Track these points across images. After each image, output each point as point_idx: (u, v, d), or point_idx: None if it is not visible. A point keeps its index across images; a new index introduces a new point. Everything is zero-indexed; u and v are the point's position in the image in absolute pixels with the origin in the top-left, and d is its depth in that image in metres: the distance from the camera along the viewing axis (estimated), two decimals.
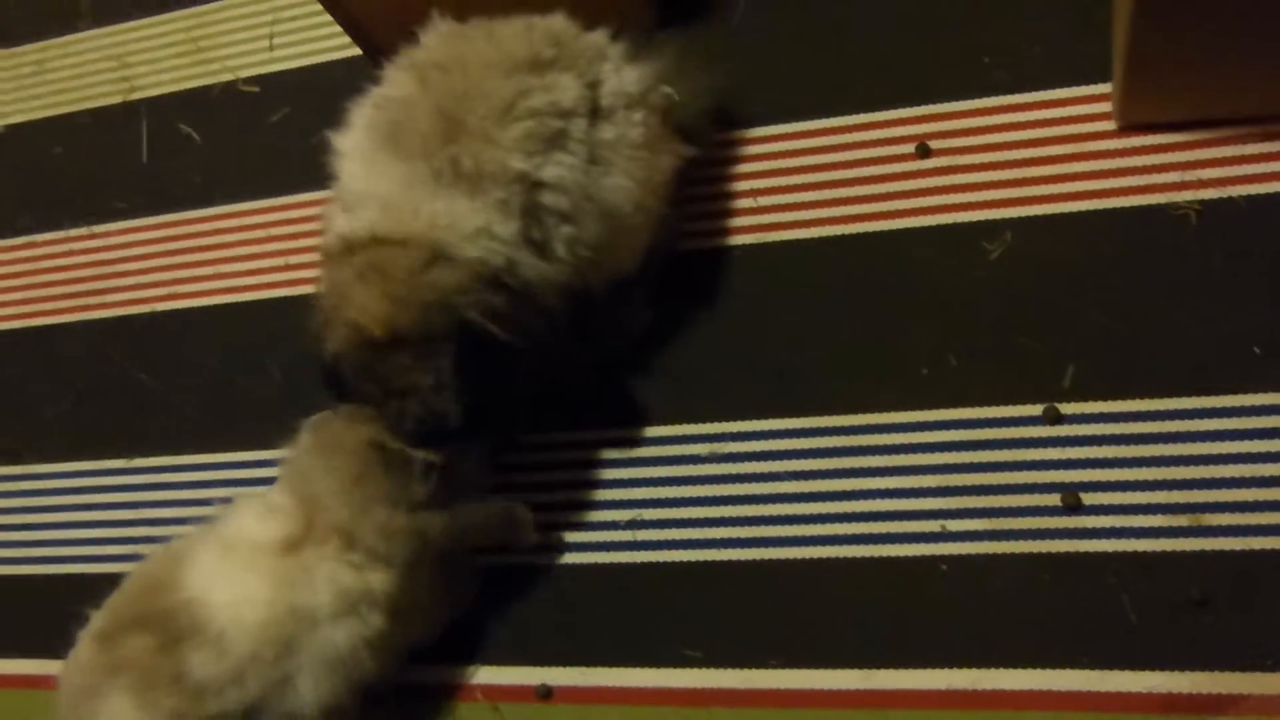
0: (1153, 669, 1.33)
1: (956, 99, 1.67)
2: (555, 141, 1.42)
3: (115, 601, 1.44)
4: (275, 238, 2.04)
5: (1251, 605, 1.32)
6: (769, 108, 1.77)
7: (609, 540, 1.61)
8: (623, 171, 1.48)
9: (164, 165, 2.20)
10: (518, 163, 1.39)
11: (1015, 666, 1.37)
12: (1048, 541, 1.41)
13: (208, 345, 1.99)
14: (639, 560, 1.58)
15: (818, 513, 1.52)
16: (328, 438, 1.46)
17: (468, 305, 1.35)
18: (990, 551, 1.43)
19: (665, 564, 1.57)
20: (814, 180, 1.70)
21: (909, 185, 1.65)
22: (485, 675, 1.58)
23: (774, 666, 1.46)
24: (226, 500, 1.51)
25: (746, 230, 1.71)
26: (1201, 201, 1.50)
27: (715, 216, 1.73)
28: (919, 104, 1.68)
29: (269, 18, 2.25)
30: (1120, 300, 1.48)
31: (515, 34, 1.46)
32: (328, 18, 1.98)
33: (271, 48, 2.22)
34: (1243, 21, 1.33)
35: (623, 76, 1.50)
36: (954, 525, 1.46)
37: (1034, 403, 1.48)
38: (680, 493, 1.60)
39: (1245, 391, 1.40)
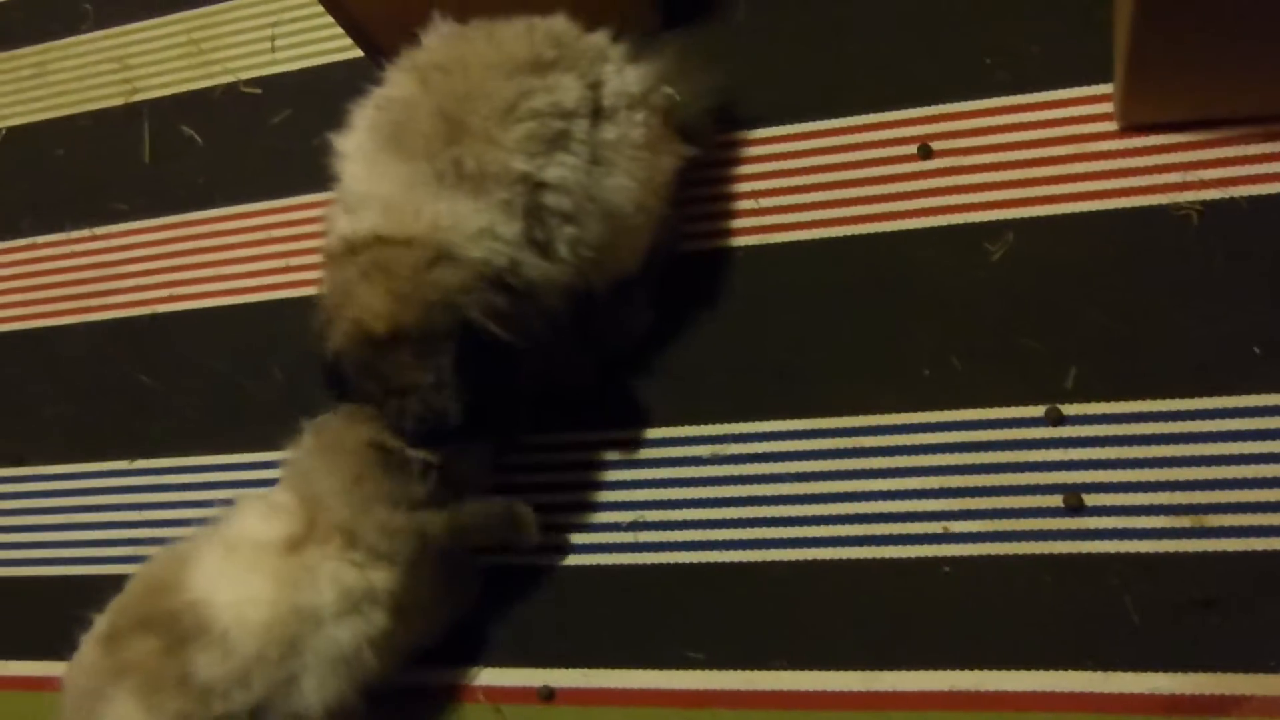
0: (1155, 670, 1.32)
1: (958, 100, 1.67)
2: (557, 142, 1.42)
3: (119, 604, 1.44)
4: (276, 239, 2.04)
5: (1254, 606, 1.32)
6: (770, 108, 1.77)
7: (611, 541, 1.61)
8: (624, 172, 1.48)
9: (166, 167, 2.20)
10: (520, 164, 1.39)
11: (1018, 668, 1.37)
12: (1050, 543, 1.41)
13: (209, 347, 1.99)
14: (641, 561, 1.58)
15: (820, 514, 1.52)
16: (329, 438, 1.46)
17: (470, 305, 1.35)
18: (992, 553, 1.43)
19: (667, 565, 1.57)
20: (816, 181, 1.70)
21: (911, 186, 1.64)
22: (487, 677, 1.58)
23: (776, 668, 1.46)
24: (229, 501, 1.51)
25: (748, 231, 1.71)
26: (1203, 202, 1.50)
27: (717, 217, 1.73)
28: (921, 105, 1.68)
29: (271, 19, 2.25)
30: (1122, 301, 1.48)
31: (517, 35, 1.46)
32: (329, 19, 1.99)
33: (273, 49, 2.22)
34: (1244, 22, 1.33)
35: (624, 77, 1.50)
36: (956, 526, 1.46)
37: (1036, 404, 1.48)
38: (682, 494, 1.60)
39: (1247, 392, 1.40)
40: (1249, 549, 1.34)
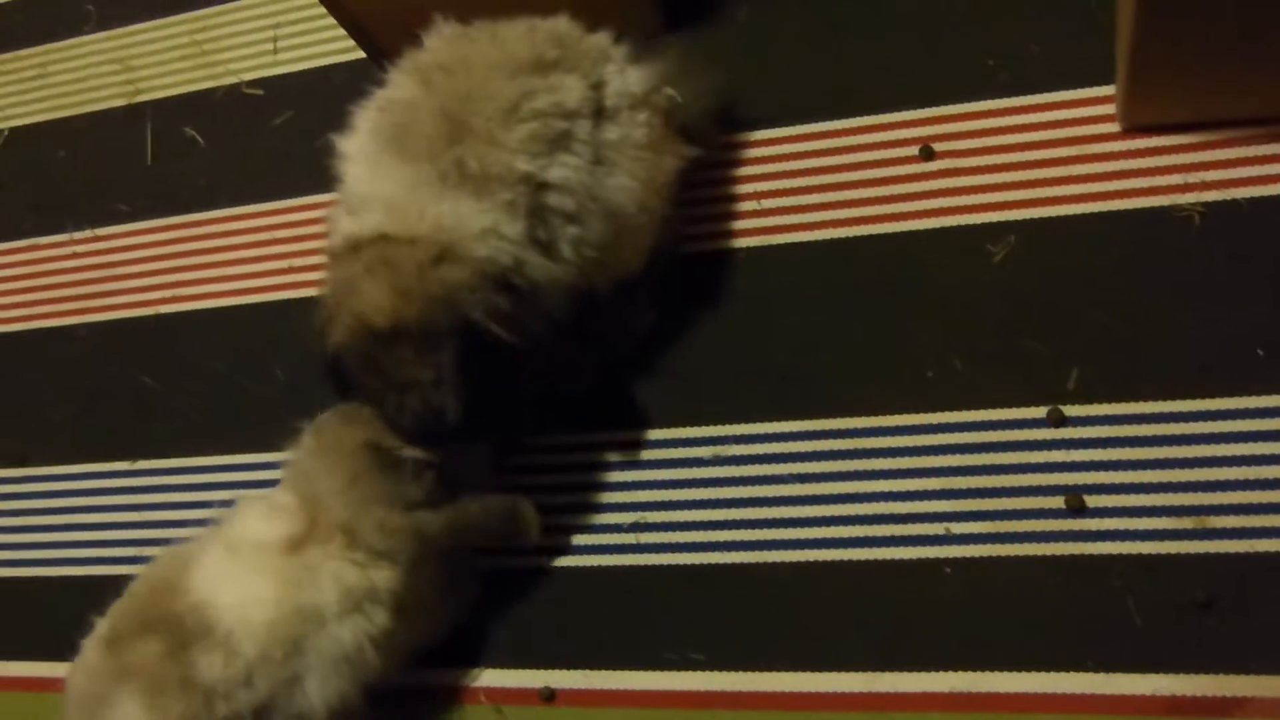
0: (1157, 672, 1.32)
1: (960, 101, 1.67)
2: (560, 142, 1.42)
3: (121, 607, 1.44)
4: (278, 240, 2.04)
5: (1256, 608, 1.32)
6: (772, 109, 1.77)
7: (612, 543, 1.61)
8: (627, 172, 1.48)
9: (168, 168, 2.21)
10: (523, 164, 1.39)
11: (1019, 669, 1.37)
12: (1052, 544, 1.41)
13: (211, 347, 1.99)
14: (642, 563, 1.58)
15: (821, 515, 1.52)
16: (327, 439, 1.46)
17: (473, 303, 1.35)
18: (994, 554, 1.43)
19: (668, 566, 1.57)
20: (817, 182, 1.70)
21: (913, 188, 1.64)
22: (488, 678, 1.58)
23: (778, 669, 1.46)
24: (230, 502, 1.51)
25: (750, 233, 1.71)
26: (1205, 203, 1.50)
27: (719, 218, 1.73)
28: (923, 106, 1.68)
29: (272, 21, 2.25)
30: (1124, 302, 1.48)
31: (519, 35, 1.46)
32: (331, 21, 1.99)
33: (275, 51, 2.22)
34: (1246, 24, 1.33)
35: (626, 78, 1.51)
36: (958, 528, 1.46)
37: (1038, 405, 1.47)
38: (683, 495, 1.60)
39: (1249, 393, 1.40)
40: (1251, 550, 1.34)
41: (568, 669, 1.56)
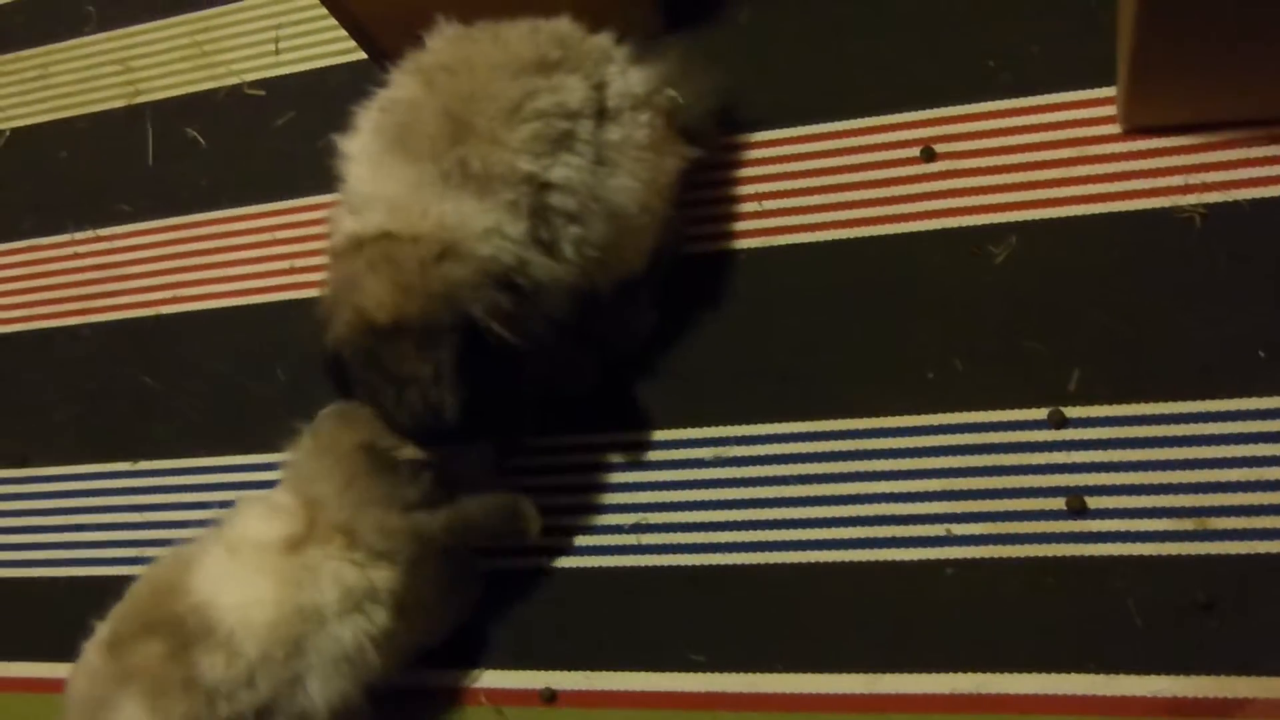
0: (1158, 673, 1.32)
1: (961, 102, 1.67)
2: (562, 143, 1.43)
3: (122, 609, 1.44)
4: (280, 241, 2.04)
5: (1257, 609, 1.32)
6: (773, 111, 1.77)
7: (613, 544, 1.61)
8: (629, 173, 1.48)
9: (169, 169, 2.21)
10: (526, 164, 1.39)
11: (1020, 671, 1.37)
12: (1053, 545, 1.41)
13: (213, 348, 2.00)
14: (643, 564, 1.58)
15: (822, 516, 1.52)
16: (324, 440, 1.46)
17: (474, 302, 1.36)
18: (995, 555, 1.43)
19: (669, 568, 1.57)
20: (818, 184, 1.70)
21: (913, 189, 1.64)
22: (489, 679, 1.58)
23: (778, 670, 1.46)
24: (232, 503, 1.51)
25: (751, 234, 1.71)
26: (1206, 205, 1.50)
27: (720, 219, 1.73)
28: (923, 107, 1.68)
29: (274, 22, 2.25)
30: (1125, 303, 1.48)
31: (521, 36, 1.47)
32: (332, 21, 1.99)
33: (277, 52, 2.22)
34: (1247, 24, 1.33)
35: (628, 78, 1.51)
36: (959, 529, 1.46)
37: (1039, 406, 1.47)
38: (684, 496, 1.60)
39: (1250, 395, 1.40)
40: (1252, 552, 1.34)
41: (569, 670, 1.56)
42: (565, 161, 1.43)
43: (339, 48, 2.14)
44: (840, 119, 1.73)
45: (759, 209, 1.72)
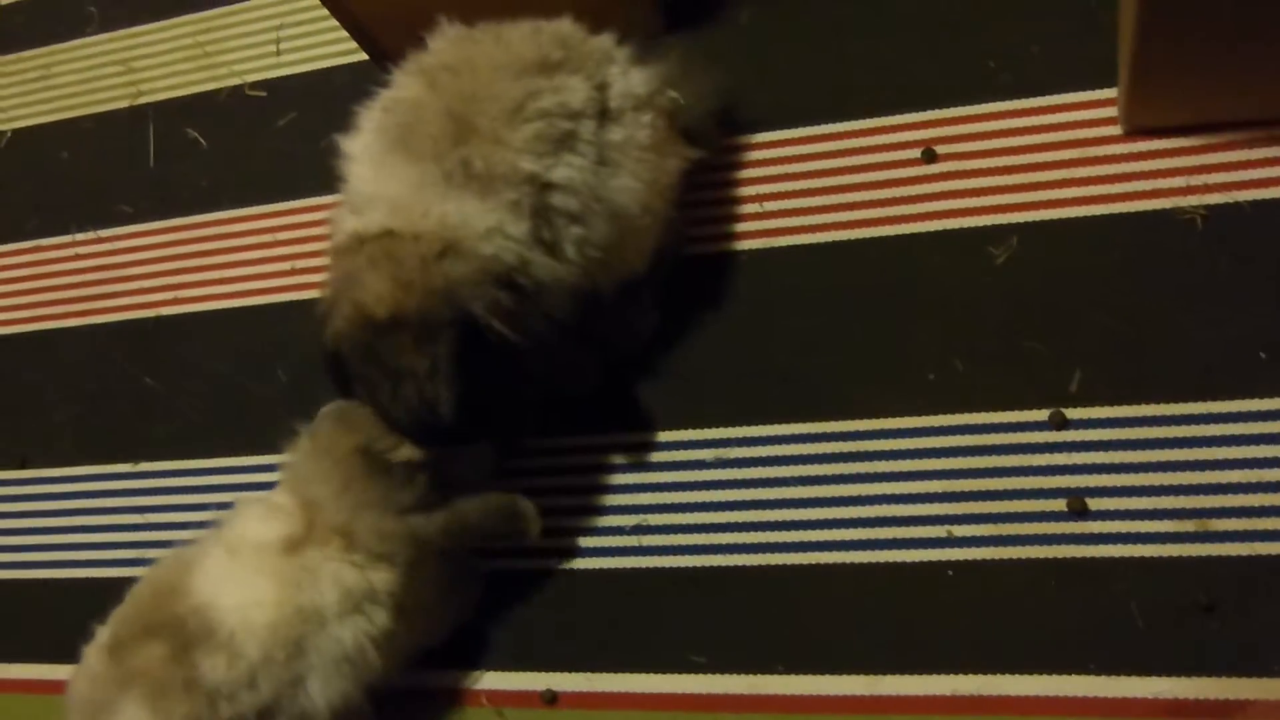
0: (1159, 674, 1.32)
1: (962, 104, 1.66)
2: (564, 143, 1.43)
3: (123, 612, 1.44)
4: (281, 242, 2.04)
5: (1258, 611, 1.32)
6: (774, 112, 1.77)
7: (614, 545, 1.61)
8: (630, 173, 1.48)
9: (170, 170, 2.21)
10: (528, 164, 1.39)
11: (1021, 672, 1.37)
12: (1054, 547, 1.41)
13: (214, 349, 2.00)
14: (644, 565, 1.58)
15: (823, 518, 1.52)
16: (321, 442, 1.46)
17: (474, 299, 1.36)
18: (996, 557, 1.43)
19: (670, 569, 1.57)
20: (820, 185, 1.70)
21: (914, 190, 1.64)
22: (490, 680, 1.58)
23: (779, 672, 1.46)
24: (232, 504, 1.51)
25: (752, 234, 1.71)
26: (1207, 206, 1.49)
27: (721, 220, 1.73)
28: (924, 109, 1.68)
29: (275, 23, 2.25)
30: (1126, 305, 1.48)
31: (523, 37, 1.47)
32: (334, 23, 1.99)
33: (278, 53, 2.22)
34: (1248, 25, 1.32)
35: (630, 79, 1.51)
36: (960, 530, 1.46)
37: (1040, 408, 1.47)
38: (685, 498, 1.60)
39: (1252, 396, 1.40)
40: (1253, 553, 1.34)
41: (570, 671, 1.56)
42: (567, 162, 1.43)
43: (340, 48, 2.14)
44: (841, 120, 1.73)
45: (760, 210, 1.72)
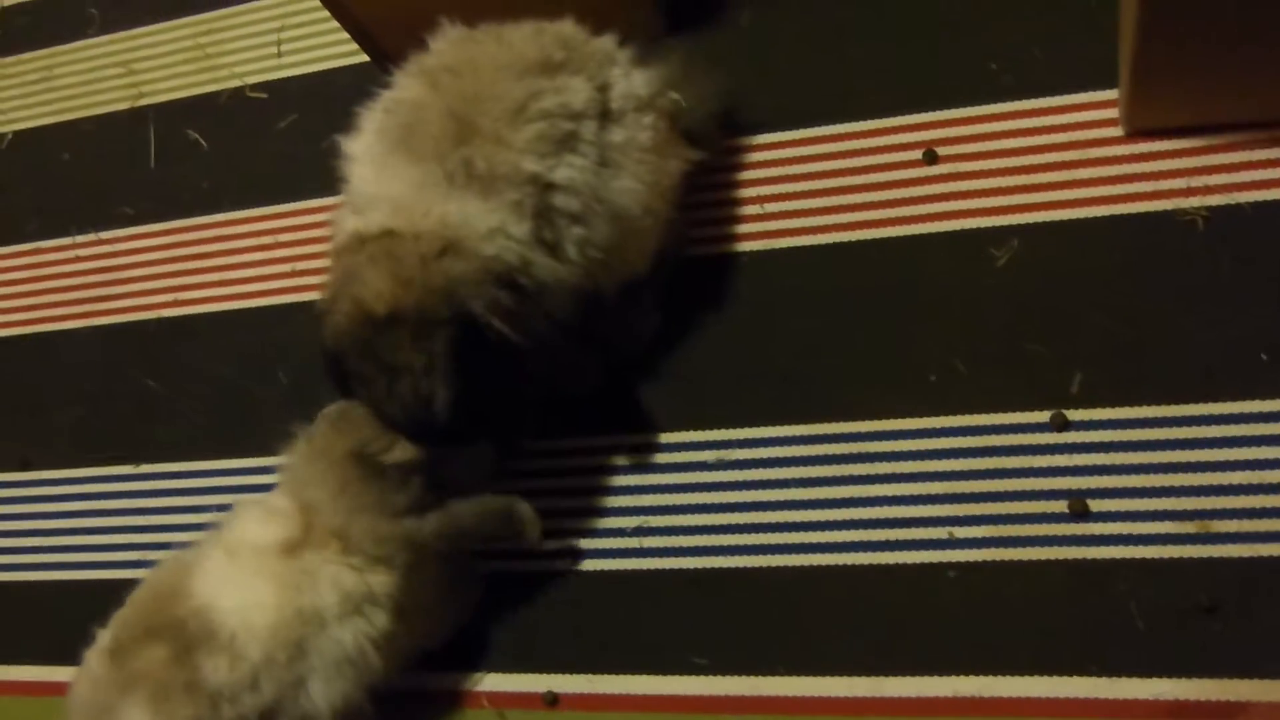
0: (1160, 676, 1.32)
1: (963, 105, 1.66)
2: (566, 143, 1.43)
3: (124, 615, 1.44)
4: (283, 244, 2.04)
5: (1259, 612, 1.32)
6: (775, 113, 1.77)
7: (615, 547, 1.61)
8: (632, 174, 1.48)
9: (171, 171, 2.21)
10: (530, 164, 1.40)
11: (1023, 674, 1.37)
12: (1055, 548, 1.41)
13: (215, 351, 2.00)
14: (645, 567, 1.58)
15: (824, 519, 1.52)
16: (318, 445, 1.46)
17: (474, 297, 1.36)
18: (997, 558, 1.43)
19: (671, 571, 1.57)
20: (821, 187, 1.70)
21: (916, 192, 1.64)
22: (491, 682, 1.58)
23: (781, 674, 1.46)
24: (231, 507, 1.51)
25: (753, 236, 1.71)
26: (1209, 207, 1.49)
27: (722, 222, 1.73)
28: (926, 110, 1.68)
29: (276, 24, 2.25)
30: (1127, 306, 1.48)
31: (525, 37, 1.47)
32: (335, 24, 1.99)
33: (279, 54, 2.22)
34: (1249, 27, 1.33)
35: (632, 80, 1.51)
36: (961, 532, 1.45)
37: (1041, 409, 1.47)
38: (686, 499, 1.60)
39: (1253, 397, 1.40)
40: (1254, 555, 1.34)
41: (571, 673, 1.56)
42: (569, 162, 1.43)
43: (341, 50, 2.15)
44: (842, 122, 1.73)
45: (761, 211, 1.72)
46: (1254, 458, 1.38)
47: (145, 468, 1.95)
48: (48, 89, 2.44)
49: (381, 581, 1.42)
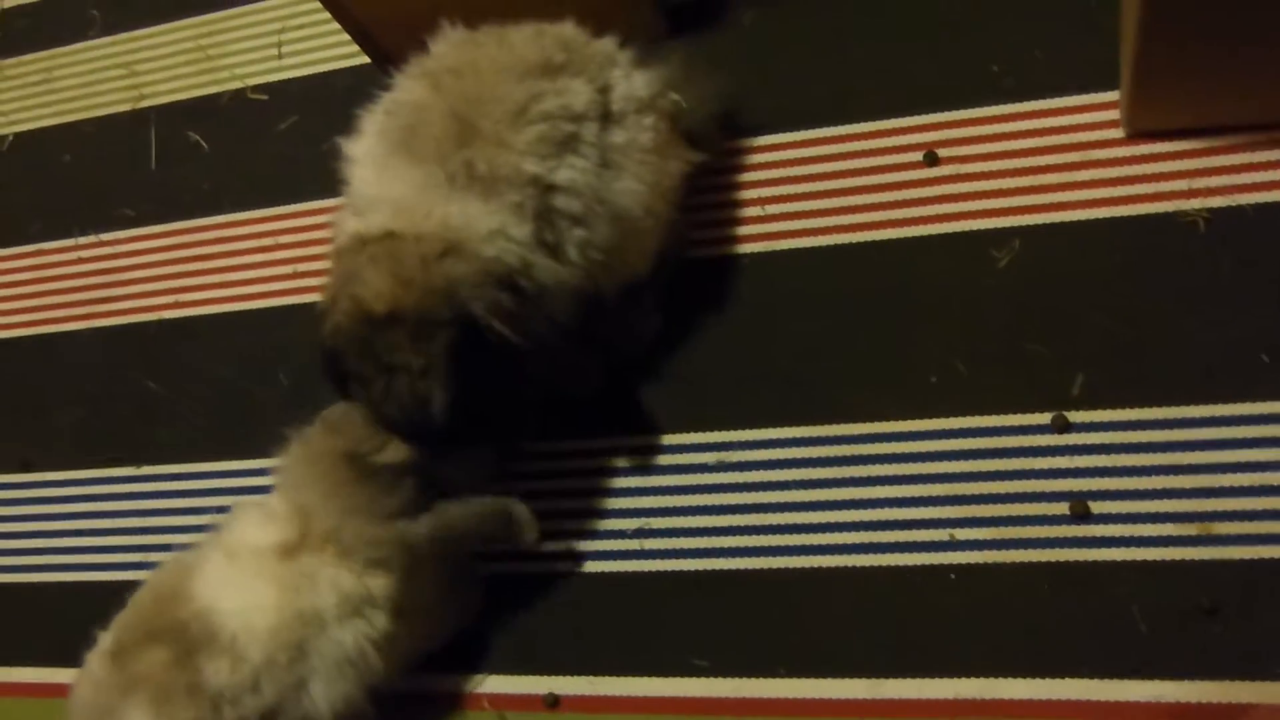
0: (1162, 678, 1.32)
1: (964, 107, 1.66)
2: (567, 145, 1.43)
3: (125, 617, 1.45)
4: (283, 245, 2.04)
5: (1261, 614, 1.31)
6: (776, 115, 1.77)
7: (616, 549, 1.61)
8: (633, 175, 1.48)
9: (172, 173, 2.21)
10: (531, 165, 1.40)
11: (1023, 676, 1.37)
12: (1056, 550, 1.41)
13: (216, 353, 2.00)
14: (646, 569, 1.58)
15: (825, 521, 1.52)
16: (313, 447, 1.46)
17: (474, 299, 1.36)
18: (998, 560, 1.43)
19: (672, 573, 1.57)
20: (821, 188, 1.70)
21: (917, 193, 1.64)
22: (492, 684, 1.58)
23: (782, 676, 1.46)
24: (231, 508, 1.51)
25: (754, 238, 1.71)
26: (1209, 209, 1.49)
27: (723, 224, 1.73)
28: (927, 112, 1.68)
29: (277, 26, 2.25)
30: (1129, 308, 1.48)
31: (526, 39, 1.47)
32: (336, 26, 1.99)
33: (280, 56, 2.22)
34: (1250, 29, 1.33)
35: (632, 82, 1.51)
36: (962, 534, 1.45)
37: (1042, 411, 1.47)
38: (687, 501, 1.60)
39: (1254, 399, 1.40)
40: (1256, 556, 1.34)
41: (572, 675, 1.55)
42: (570, 164, 1.43)
43: (342, 52, 2.15)
44: (843, 123, 1.73)
45: (762, 213, 1.72)
46: (1255, 459, 1.38)
47: (146, 469, 1.95)
48: (49, 90, 2.44)
49: (380, 583, 1.42)
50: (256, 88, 2.21)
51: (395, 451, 1.45)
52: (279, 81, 2.20)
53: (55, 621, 1.88)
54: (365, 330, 1.37)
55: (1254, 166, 1.49)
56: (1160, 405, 1.43)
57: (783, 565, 1.52)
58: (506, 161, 1.39)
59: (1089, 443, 1.44)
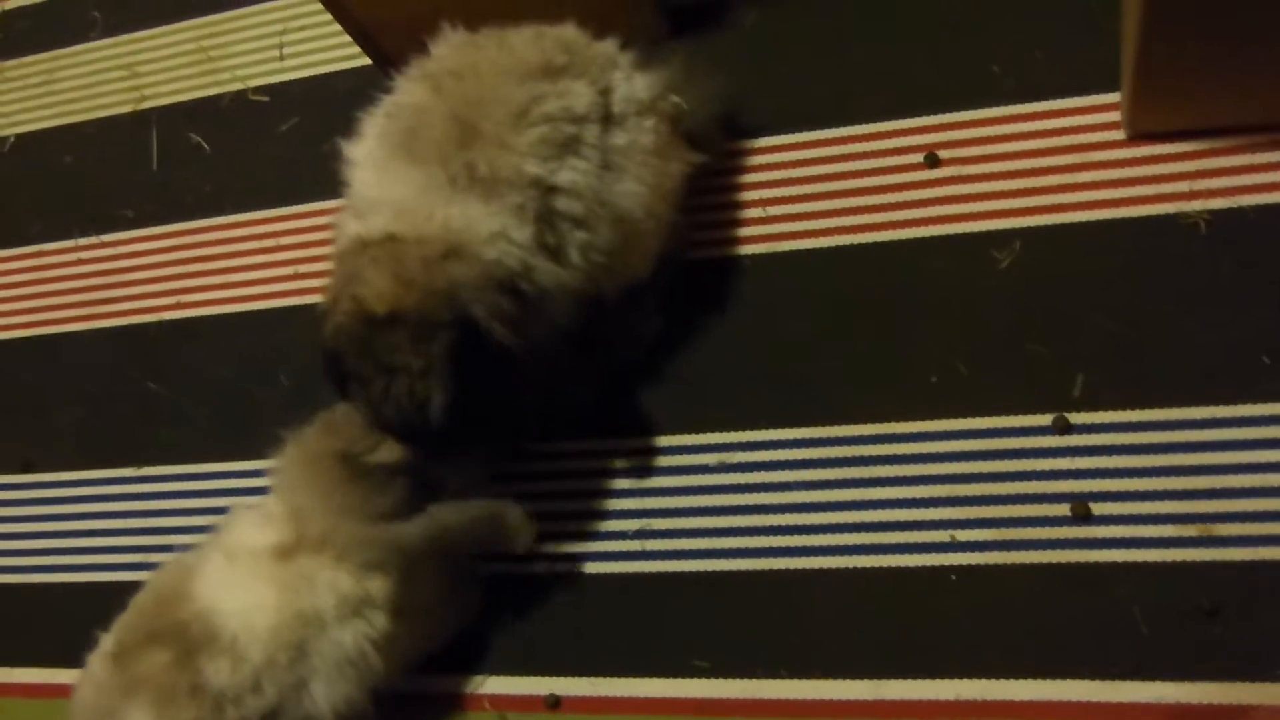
0: (1162, 679, 1.32)
1: (965, 108, 1.67)
2: (569, 147, 1.43)
3: (126, 619, 1.45)
4: (284, 247, 2.04)
5: (1261, 615, 1.31)
6: (777, 116, 1.77)
7: (617, 550, 1.61)
8: (634, 177, 1.48)
9: (173, 174, 2.21)
10: (533, 168, 1.40)
11: (1024, 677, 1.37)
12: (1057, 551, 1.41)
13: (217, 354, 2.00)
14: (647, 570, 1.58)
15: (826, 523, 1.52)
16: (308, 449, 1.46)
17: (475, 301, 1.35)
18: (999, 561, 1.43)
19: (673, 574, 1.57)
20: (823, 190, 1.70)
21: (918, 195, 1.64)
22: (493, 685, 1.58)
23: (783, 677, 1.46)
24: (231, 509, 1.51)
25: (755, 239, 1.71)
26: (1210, 210, 1.50)
27: (724, 226, 1.73)
28: (927, 113, 1.68)
29: (279, 28, 2.26)
30: (1129, 309, 1.48)
31: (528, 41, 1.47)
32: (337, 28, 1.99)
33: (281, 57, 2.22)
34: (1251, 30, 1.33)
35: (633, 84, 1.51)
36: (963, 535, 1.45)
37: (1043, 412, 1.47)
38: (688, 502, 1.60)
39: (1255, 400, 1.40)
40: (1257, 558, 1.34)
41: (573, 676, 1.56)
42: (571, 166, 1.43)
43: (343, 53, 2.15)
44: (844, 125, 1.73)
45: (763, 215, 1.72)
46: (1256, 461, 1.38)
47: (147, 470, 1.95)
48: (50, 92, 2.44)
49: (378, 585, 1.42)
50: (258, 89, 2.21)
51: (388, 452, 1.45)
52: (280, 83, 2.20)
53: (56, 622, 1.88)
54: (365, 330, 1.37)
55: (1255, 168, 1.49)
56: (1161, 406, 1.43)
57: (784, 566, 1.52)
58: (508, 163, 1.39)
59: (1090, 444, 1.44)
